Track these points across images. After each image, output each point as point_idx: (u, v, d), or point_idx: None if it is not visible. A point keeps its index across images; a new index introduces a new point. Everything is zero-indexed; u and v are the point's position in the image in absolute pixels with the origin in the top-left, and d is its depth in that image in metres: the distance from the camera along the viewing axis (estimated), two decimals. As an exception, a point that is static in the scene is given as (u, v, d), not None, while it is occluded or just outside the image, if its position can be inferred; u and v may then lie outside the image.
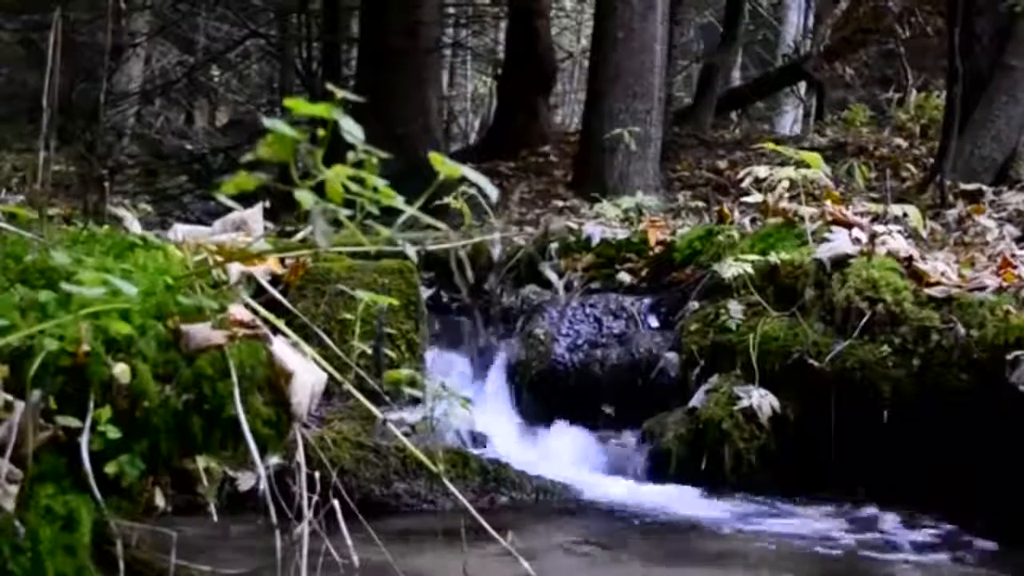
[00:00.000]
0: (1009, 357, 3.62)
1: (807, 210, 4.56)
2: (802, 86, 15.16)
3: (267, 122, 1.46)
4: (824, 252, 4.23)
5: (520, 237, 5.45)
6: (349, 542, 2.04)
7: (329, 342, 2.27)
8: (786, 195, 4.74)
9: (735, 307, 4.28)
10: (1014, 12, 7.40)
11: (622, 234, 5.41)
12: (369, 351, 3.81)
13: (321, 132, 1.46)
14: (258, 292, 2.33)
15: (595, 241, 5.35)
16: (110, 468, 1.81)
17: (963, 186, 6.81)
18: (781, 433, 4.00)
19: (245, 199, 1.89)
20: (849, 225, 4.44)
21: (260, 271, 2.61)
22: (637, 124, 7.87)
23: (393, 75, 9.14)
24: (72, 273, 1.85)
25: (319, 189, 1.50)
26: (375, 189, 1.52)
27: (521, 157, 11.05)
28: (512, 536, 2.04)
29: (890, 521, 3.61)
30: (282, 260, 3.69)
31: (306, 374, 1.99)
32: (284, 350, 1.98)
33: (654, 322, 4.69)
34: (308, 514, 1.99)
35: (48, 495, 1.75)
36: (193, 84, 15.34)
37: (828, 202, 4.66)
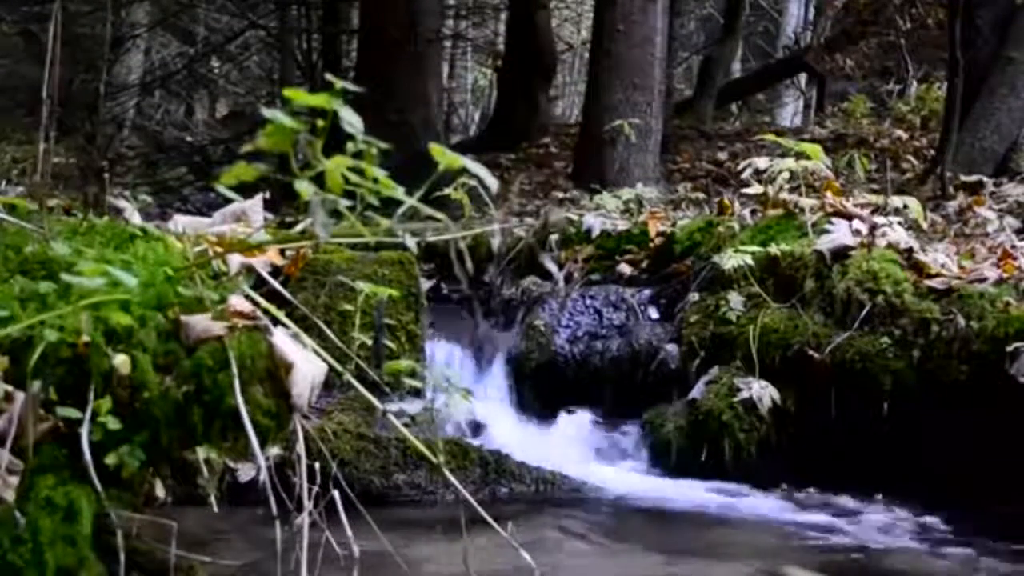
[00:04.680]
0: (1009, 349, 3.62)
1: (807, 201, 4.56)
2: (802, 78, 15.15)
3: (267, 113, 1.45)
4: (824, 244, 4.23)
5: (520, 228, 5.45)
6: (349, 533, 2.04)
7: (329, 333, 2.27)
8: (786, 187, 4.74)
9: (735, 299, 4.28)
10: (1014, 4, 7.39)
11: (622, 226, 5.40)
12: (369, 342, 3.81)
13: (321, 123, 1.46)
14: (258, 283, 2.33)
15: (595, 233, 5.35)
16: (110, 459, 1.81)
17: (963, 178, 6.81)
18: (781, 425, 4.01)
19: (245, 190, 1.89)
20: (849, 217, 4.43)
21: (260, 262, 2.61)
22: (637, 116, 7.86)
23: (393, 66, 9.13)
24: (72, 264, 1.85)
25: (319, 180, 1.49)
26: (375, 180, 1.52)
27: (521, 149, 11.05)
28: (512, 527, 2.04)
29: (890, 513, 3.61)
30: (282, 251, 3.70)
31: (306, 365, 1.99)
32: (284, 341, 1.98)
33: (654, 313, 4.69)
34: (308, 505, 1.99)
35: (48, 486, 1.75)
36: (193, 76, 15.32)
37: (828, 193, 4.66)
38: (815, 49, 12.81)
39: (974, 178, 6.79)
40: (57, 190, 6.50)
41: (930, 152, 8.50)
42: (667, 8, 8.50)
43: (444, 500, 3.65)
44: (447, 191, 4.70)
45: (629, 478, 4.01)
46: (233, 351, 1.89)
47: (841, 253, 4.18)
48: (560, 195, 7.96)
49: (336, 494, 2.16)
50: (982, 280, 3.94)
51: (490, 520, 2.01)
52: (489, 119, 14.28)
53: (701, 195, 7.05)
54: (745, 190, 5.12)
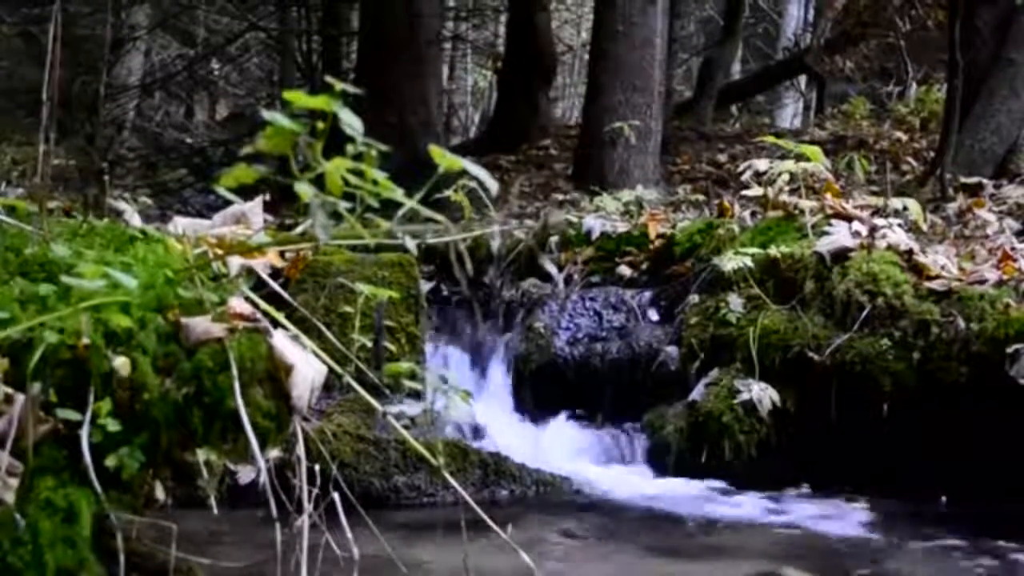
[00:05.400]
0: (1009, 350, 3.62)
1: (807, 203, 4.55)
2: (802, 79, 15.14)
3: (267, 115, 1.45)
4: (824, 245, 4.23)
5: (520, 230, 5.45)
6: (349, 535, 2.04)
7: (329, 335, 2.27)
8: (786, 188, 4.74)
9: (735, 300, 4.28)
10: (1015, 5, 7.39)
11: (622, 227, 5.40)
12: (369, 344, 3.81)
13: (320, 125, 1.46)
14: (258, 285, 2.33)
15: (595, 234, 5.34)
16: (110, 461, 1.81)
17: (963, 179, 6.80)
18: (781, 426, 4.01)
19: (245, 192, 1.89)
20: (849, 218, 4.43)
21: (260, 264, 2.60)
22: (637, 117, 7.86)
23: (393, 68, 9.12)
24: (72, 266, 1.85)
25: (319, 182, 1.49)
26: (375, 182, 1.52)
27: (521, 150, 11.03)
28: (512, 529, 2.04)
29: (890, 513, 3.61)
30: (282, 253, 3.69)
31: (306, 367, 1.99)
32: (284, 343, 1.98)
33: (654, 315, 4.69)
34: (308, 507, 1.99)
35: (48, 488, 1.75)
36: (193, 77, 15.32)
37: (828, 195, 4.66)
38: (815, 51, 12.79)
39: (974, 180, 6.79)
40: (57, 192, 6.50)
41: (930, 154, 8.49)
42: (667, 10, 8.50)
43: (444, 502, 3.65)
44: (447, 193, 4.70)
45: (629, 480, 4.01)
46: (233, 353, 1.89)
47: (841, 255, 4.18)
48: (560, 197, 7.95)
49: (336, 496, 2.16)
50: (982, 282, 3.94)
51: (490, 522, 2.01)
52: (489, 121, 14.26)
53: (701, 197, 7.04)
54: (745, 192, 5.12)
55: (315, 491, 2.08)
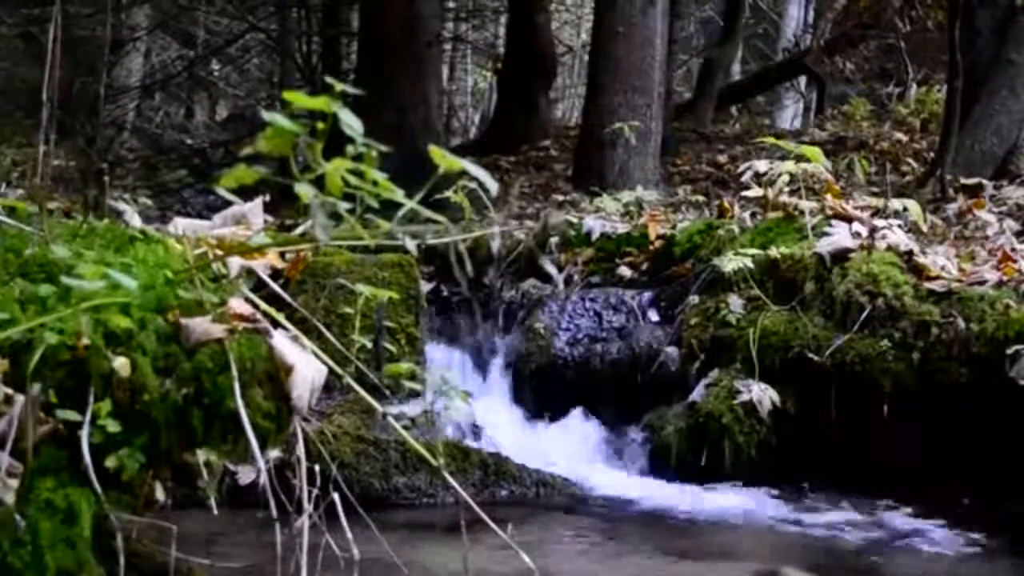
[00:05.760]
0: (1009, 351, 3.62)
1: (807, 204, 4.56)
2: (802, 80, 15.15)
3: (266, 116, 1.45)
4: (824, 246, 4.23)
5: (520, 231, 5.44)
6: (349, 536, 2.04)
7: (329, 336, 2.27)
8: (786, 189, 4.74)
9: (735, 301, 4.28)
10: (1015, 6, 7.39)
11: (622, 228, 5.40)
12: (369, 345, 3.81)
13: (321, 126, 1.46)
14: (258, 286, 2.33)
15: (595, 235, 5.34)
16: (110, 462, 1.81)
17: (963, 180, 6.80)
18: (781, 427, 4.01)
19: (245, 193, 1.89)
20: (849, 219, 4.43)
21: (260, 265, 2.61)
22: (637, 118, 7.86)
23: (393, 69, 9.13)
24: (72, 267, 1.85)
25: (319, 183, 1.49)
26: (375, 183, 1.52)
27: (521, 151, 11.04)
28: (512, 530, 2.04)
29: (890, 514, 3.61)
30: (282, 254, 3.69)
31: (306, 368, 1.99)
32: (284, 344, 1.98)
33: (654, 316, 4.69)
34: (308, 508, 1.99)
35: (48, 489, 1.75)
36: (193, 78, 15.33)
37: (828, 196, 4.66)
38: (815, 52, 12.80)
39: (974, 181, 6.78)
40: (57, 193, 6.51)
41: (930, 155, 8.49)
42: (667, 11, 8.50)
43: (444, 503, 3.65)
44: (447, 194, 4.70)
45: (629, 481, 4.01)
46: (233, 353, 1.89)
47: (841, 255, 4.19)
48: (560, 198, 7.95)
49: (336, 497, 2.16)
50: (982, 283, 3.94)
51: (490, 523, 2.00)
52: (489, 122, 14.27)
53: (701, 198, 7.04)
54: (745, 193, 5.12)
55: (315, 492, 2.08)
